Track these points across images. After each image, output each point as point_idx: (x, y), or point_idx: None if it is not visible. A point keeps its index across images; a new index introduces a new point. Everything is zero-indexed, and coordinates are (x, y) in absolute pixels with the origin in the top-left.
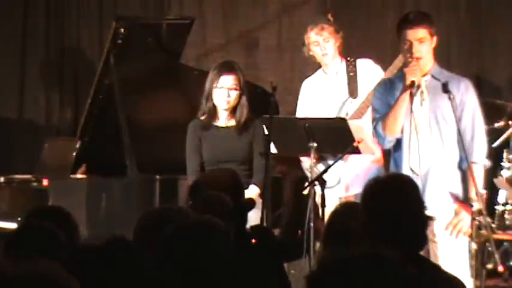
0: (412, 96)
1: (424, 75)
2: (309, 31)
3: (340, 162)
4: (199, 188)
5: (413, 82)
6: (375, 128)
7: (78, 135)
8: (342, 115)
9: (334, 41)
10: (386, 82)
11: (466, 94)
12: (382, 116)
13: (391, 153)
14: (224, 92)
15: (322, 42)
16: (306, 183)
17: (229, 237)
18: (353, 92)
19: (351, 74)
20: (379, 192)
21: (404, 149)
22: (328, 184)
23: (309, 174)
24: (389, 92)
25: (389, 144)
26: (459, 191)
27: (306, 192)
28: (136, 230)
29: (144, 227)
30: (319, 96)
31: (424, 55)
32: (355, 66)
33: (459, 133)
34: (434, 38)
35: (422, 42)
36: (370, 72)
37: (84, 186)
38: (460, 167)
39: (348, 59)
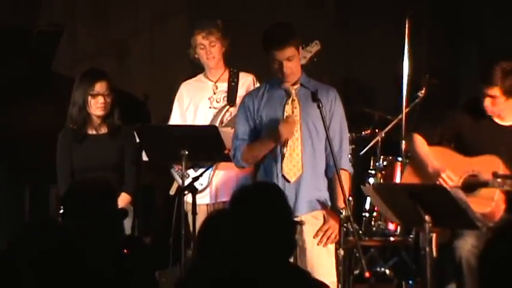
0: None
1: (294, 84)
2: (196, 34)
3: (210, 169)
4: (71, 196)
5: (287, 140)
6: (234, 154)
7: None
8: (218, 122)
9: (221, 46)
10: (249, 99)
11: (334, 103)
12: (242, 144)
13: (261, 161)
14: (100, 99)
15: (208, 46)
16: (175, 190)
17: (100, 246)
18: (232, 100)
19: (233, 84)
20: (245, 200)
21: (275, 156)
22: (198, 191)
23: (180, 182)
24: (256, 104)
25: (244, 167)
26: (327, 198)
27: (172, 193)
28: (10, 242)
29: (16, 240)
30: (197, 100)
31: (294, 70)
32: (237, 77)
33: (328, 141)
34: (300, 49)
35: (291, 59)
36: (249, 88)
37: None
38: (326, 175)
39: (232, 69)
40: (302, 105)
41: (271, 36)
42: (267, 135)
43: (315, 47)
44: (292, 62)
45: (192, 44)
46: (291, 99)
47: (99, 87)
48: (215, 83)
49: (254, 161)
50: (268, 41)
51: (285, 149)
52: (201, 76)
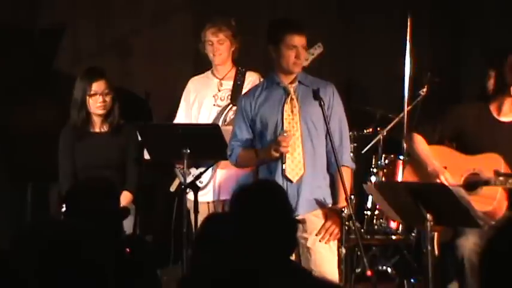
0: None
1: (291, 82)
2: (206, 29)
3: (212, 167)
4: (73, 195)
5: (282, 154)
6: (230, 154)
7: None
8: (221, 120)
9: (230, 45)
10: (246, 100)
11: (333, 98)
12: (238, 147)
13: None
14: (99, 98)
15: (216, 43)
16: (175, 187)
17: (102, 245)
18: (236, 99)
19: (238, 82)
20: (246, 199)
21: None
22: (200, 189)
23: (182, 179)
24: (253, 105)
25: None
26: (328, 196)
27: (172, 189)
28: (11, 242)
29: (18, 240)
30: (202, 97)
31: (303, 62)
32: (244, 76)
33: (329, 137)
34: None
35: (304, 48)
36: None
37: None
38: (328, 171)
39: (239, 68)
40: (301, 104)
41: (290, 21)
42: (262, 151)
43: (317, 50)
44: (304, 52)
45: (202, 38)
46: (289, 98)
47: (97, 86)
48: (220, 80)
49: (248, 167)
50: (286, 25)
51: (284, 166)
52: (208, 73)
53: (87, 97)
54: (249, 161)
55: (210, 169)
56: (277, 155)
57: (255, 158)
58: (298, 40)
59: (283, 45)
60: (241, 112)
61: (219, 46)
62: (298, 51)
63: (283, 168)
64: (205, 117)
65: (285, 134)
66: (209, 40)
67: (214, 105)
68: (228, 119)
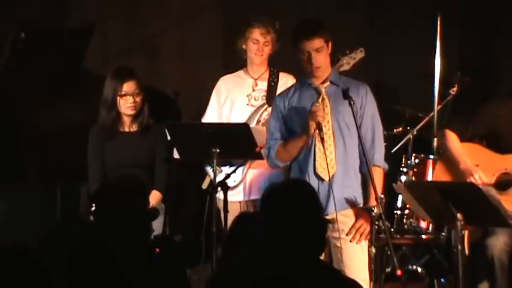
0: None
1: (323, 82)
2: (254, 27)
3: (242, 167)
4: (103, 194)
5: (319, 123)
6: (268, 153)
7: None
8: (255, 121)
9: (272, 47)
10: (280, 99)
11: (366, 98)
12: (276, 144)
13: (295, 160)
14: (130, 98)
15: (262, 44)
16: (207, 184)
17: (131, 245)
18: (271, 100)
19: (272, 83)
20: (276, 198)
21: (309, 155)
22: (230, 189)
23: (213, 177)
24: (287, 104)
25: (279, 167)
26: (359, 195)
27: (204, 187)
28: (40, 242)
29: (47, 239)
30: (234, 96)
31: (323, 64)
32: (277, 76)
33: (360, 137)
34: (330, 44)
35: (320, 51)
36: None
37: None
38: (361, 171)
39: (272, 69)
40: (332, 103)
41: (300, 27)
42: (300, 134)
43: (359, 54)
44: (321, 54)
45: (245, 34)
46: (321, 98)
47: (128, 87)
48: (255, 80)
49: (289, 159)
50: (297, 32)
51: (322, 133)
52: (241, 72)
53: (118, 97)
54: (289, 148)
55: (241, 168)
56: (314, 125)
57: (293, 142)
58: (308, 45)
59: (299, 52)
60: (277, 111)
61: (264, 47)
62: (310, 55)
63: (316, 166)
64: (239, 116)
65: (317, 104)
66: (255, 39)
67: (248, 104)
68: (262, 120)
